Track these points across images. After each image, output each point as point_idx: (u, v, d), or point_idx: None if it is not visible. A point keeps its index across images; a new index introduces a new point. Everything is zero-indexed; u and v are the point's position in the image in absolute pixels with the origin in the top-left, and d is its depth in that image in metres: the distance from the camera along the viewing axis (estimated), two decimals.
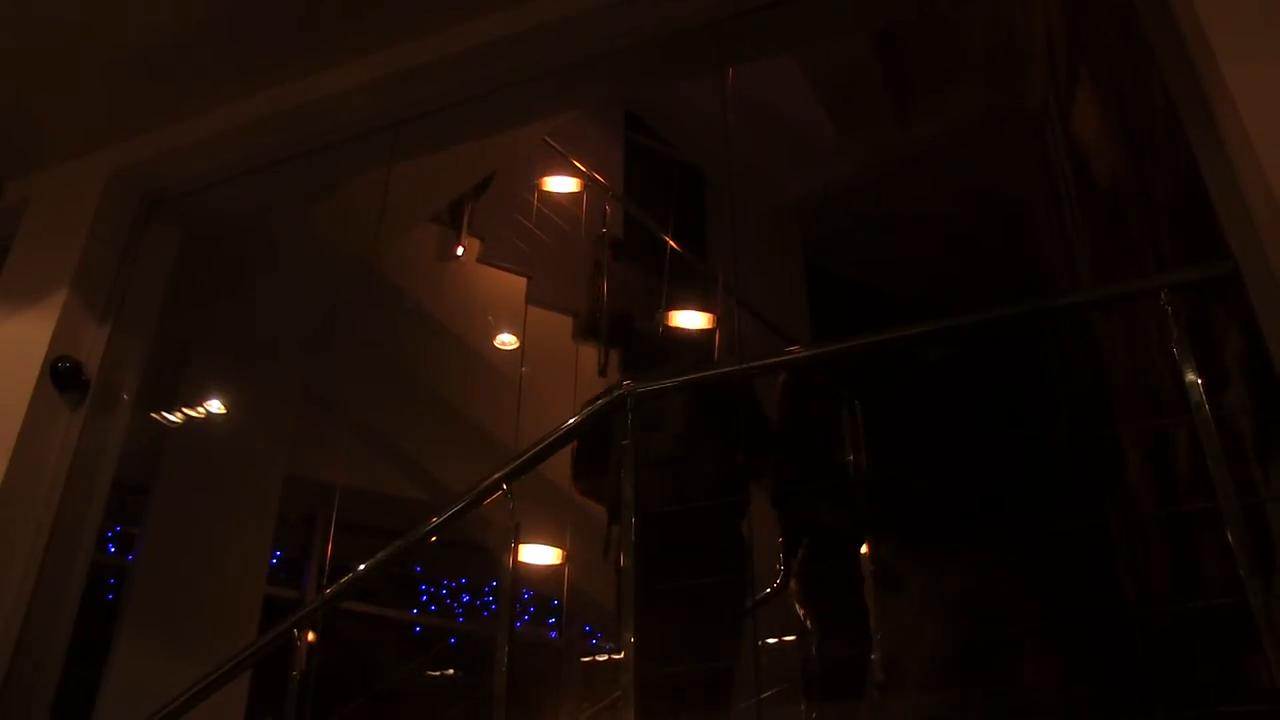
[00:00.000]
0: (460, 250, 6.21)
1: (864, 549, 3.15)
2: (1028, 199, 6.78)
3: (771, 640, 3.47)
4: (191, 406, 5.14)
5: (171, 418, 5.07)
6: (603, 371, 6.21)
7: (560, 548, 5.63)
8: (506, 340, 6.20)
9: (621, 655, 2.33)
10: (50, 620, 2.62)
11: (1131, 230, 3.66)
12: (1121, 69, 3.41)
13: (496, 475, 2.80)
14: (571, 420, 2.79)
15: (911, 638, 3.09)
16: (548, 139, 6.35)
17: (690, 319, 6.35)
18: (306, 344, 5.68)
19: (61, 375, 2.73)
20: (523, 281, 6.44)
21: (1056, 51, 4.87)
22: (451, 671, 8.08)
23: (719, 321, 6.32)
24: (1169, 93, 2.10)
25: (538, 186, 6.65)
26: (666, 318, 6.21)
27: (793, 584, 3.57)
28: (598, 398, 2.76)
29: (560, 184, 6.74)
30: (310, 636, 2.91)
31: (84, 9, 2.66)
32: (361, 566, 3.00)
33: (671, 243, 6.60)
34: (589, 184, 6.75)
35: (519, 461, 2.81)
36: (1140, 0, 2.15)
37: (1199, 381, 1.95)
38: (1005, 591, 4.06)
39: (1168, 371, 2.20)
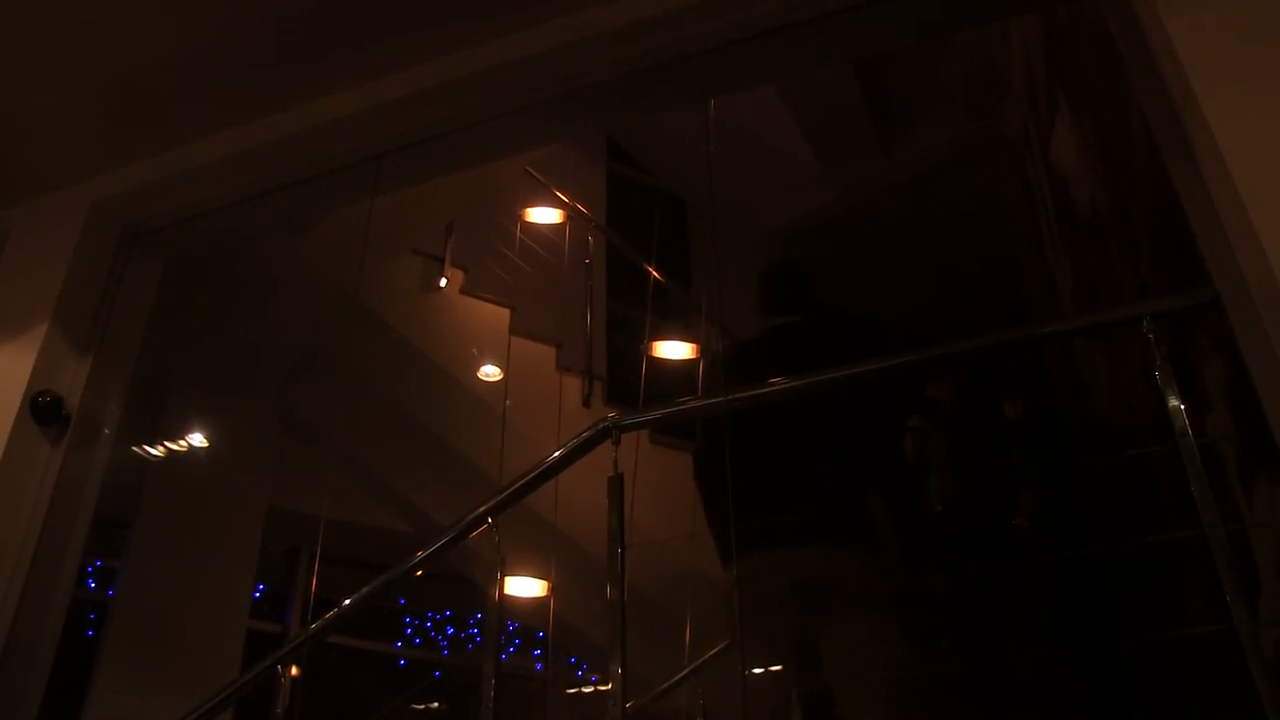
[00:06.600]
0: (443, 281, 6.21)
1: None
2: (1010, 225, 6.82)
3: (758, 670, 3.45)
4: (173, 439, 5.11)
5: (153, 451, 5.04)
6: (587, 403, 6.21)
7: (545, 580, 5.61)
8: (490, 372, 6.18)
9: (609, 686, 2.32)
10: (29, 656, 2.59)
11: (1112, 256, 3.68)
12: (1100, 97, 3.44)
13: (482, 509, 2.80)
14: (556, 453, 2.78)
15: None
16: (530, 170, 6.36)
17: (674, 349, 6.36)
18: (289, 376, 5.66)
19: (42, 410, 2.70)
20: (506, 312, 6.43)
21: (1036, 79, 4.92)
22: (436, 705, 8.02)
23: (703, 351, 6.33)
24: (1147, 121, 2.12)
25: (520, 217, 6.65)
26: (650, 348, 6.22)
27: None
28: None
29: (543, 215, 6.75)
30: (294, 671, 2.89)
31: (64, 41, 2.65)
32: (347, 601, 2.99)
33: (654, 273, 6.62)
34: (572, 214, 6.76)
35: (504, 495, 2.81)
36: (1117, 30, 2.17)
37: (1182, 408, 1.96)
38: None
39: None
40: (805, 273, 3.84)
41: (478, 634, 8.10)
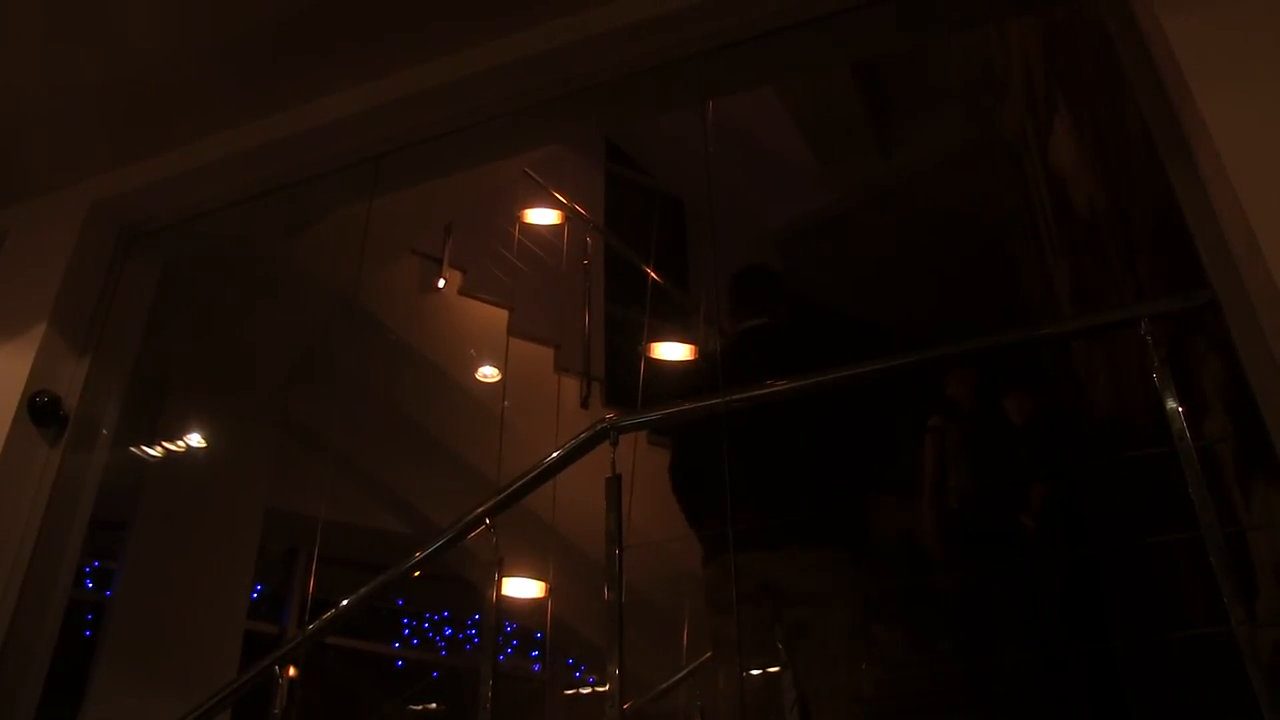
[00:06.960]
0: (442, 282, 6.20)
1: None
2: (1008, 227, 6.83)
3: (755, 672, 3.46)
4: (172, 440, 5.10)
5: (151, 451, 5.03)
6: (585, 404, 6.21)
7: (543, 581, 5.61)
8: (488, 373, 6.18)
9: (607, 687, 2.32)
10: (26, 657, 2.59)
11: (1110, 258, 3.68)
12: (1098, 99, 3.44)
13: (480, 510, 2.79)
14: (554, 454, 2.78)
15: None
16: (528, 171, 6.36)
17: (672, 350, 6.35)
18: (288, 377, 5.65)
19: (40, 410, 2.70)
20: (504, 313, 6.43)
21: (1034, 81, 4.92)
22: (434, 705, 8.01)
23: (701, 352, 6.32)
24: (1145, 122, 2.12)
25: (519, 218, 6.64)
26: (649, 349, 6.21)
27: None
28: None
29: (541, 216, 6.75)
30: (291, 672, 2.89)
31: (64, 41, 2.65)
32: (344, 602, 2.98)
33: (653, 274, 6.61)
34: (570, 216, 6.76)
35: (502, 496, 2.80)
36: (1115, 31, 2.17)
37: (1180, 410, 1.96)
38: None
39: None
40: (776, 274, 3.84)
41: (475, 635, 8.08)
